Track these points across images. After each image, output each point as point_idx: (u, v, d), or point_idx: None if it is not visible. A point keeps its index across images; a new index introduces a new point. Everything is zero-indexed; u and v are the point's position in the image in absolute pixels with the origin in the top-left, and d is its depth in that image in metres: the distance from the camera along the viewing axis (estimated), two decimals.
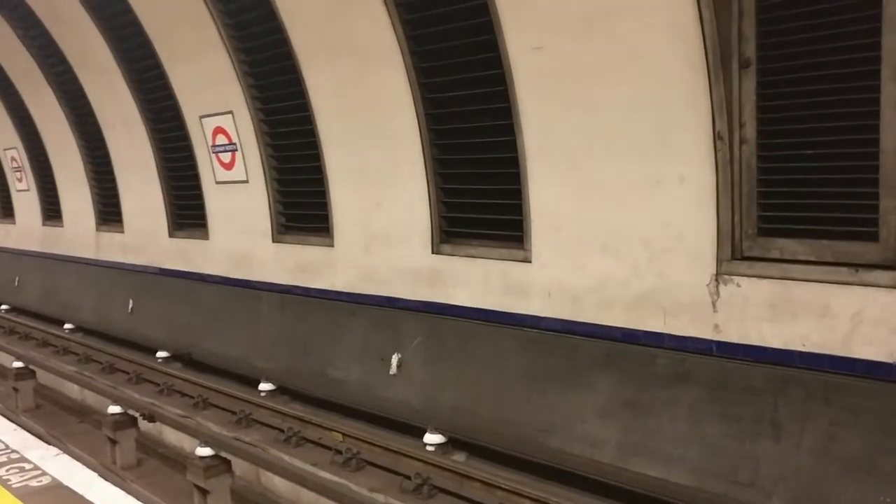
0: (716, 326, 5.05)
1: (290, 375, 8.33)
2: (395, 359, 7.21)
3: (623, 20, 5.06)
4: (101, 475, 4.26)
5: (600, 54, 5.25)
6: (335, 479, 5.77)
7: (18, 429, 5.20)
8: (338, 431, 6.73)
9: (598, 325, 5.66)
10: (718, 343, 5.04)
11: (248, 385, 8.50)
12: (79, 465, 4.45)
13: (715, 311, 5.05)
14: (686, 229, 5.13)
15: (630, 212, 5.40)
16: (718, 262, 5.01)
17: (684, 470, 5.08)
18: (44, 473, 4.28)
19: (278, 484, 6.88)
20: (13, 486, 4.11)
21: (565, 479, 5.59)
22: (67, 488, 4.05)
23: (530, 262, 6.08)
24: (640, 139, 5.23)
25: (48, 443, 4.89)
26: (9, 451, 4.68)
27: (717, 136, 4.88)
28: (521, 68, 5.74)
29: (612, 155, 5.40)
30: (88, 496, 3.90)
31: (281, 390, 8.30)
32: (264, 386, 8.33)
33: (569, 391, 5.86)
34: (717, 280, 5.03)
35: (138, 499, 3.88)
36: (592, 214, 5.63)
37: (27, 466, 4.39)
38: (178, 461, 7.98)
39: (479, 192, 6.58)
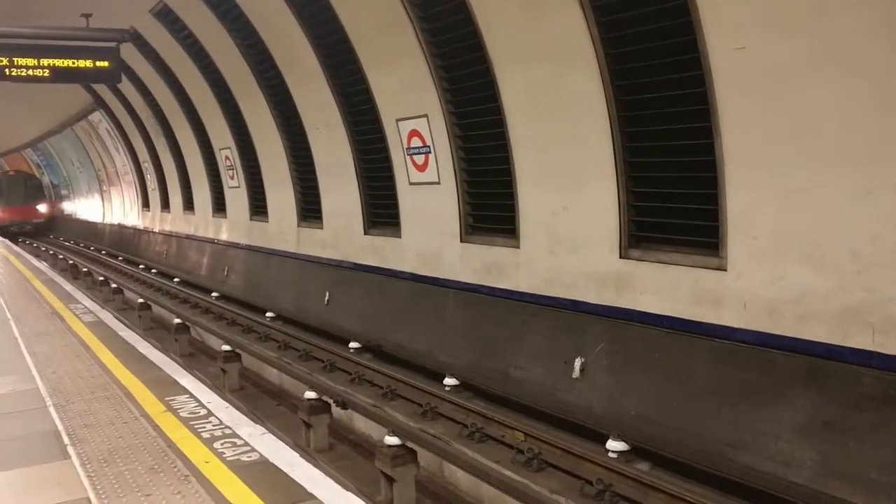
0: None
1: (473, 372, 8.50)
2: (577, 362, 7.19)
3: (835, 18, 4.77)
4: (302, 456, 4.55)
5: (809, 54, 4.97)
6: (517, 477, 5.83)
7: (230, 406, 5.65)
8: (519, 431, 6.79)
9: (797, 339, 5.37)
10: None
11: (432, 379, 8.76)
12: (282, 444, 4.77)
13: None
14: None
15: (837, 221, 5.07)
16: None
17: (894, 501, 4.72)
18: (252, 450, 4.63)
19: (460, 478, 7.03)
20: (227, 458, 4.49)
21: (755, 498, 5.35)
22: (274, 466, 4.36)
23: (725, 270, 5.87)
24: (852, 144, 4.90)
25: (255, 422, 5.28)
26: (222, 426, 5.11)
27: None
28: (721, 69, 5.55)
29: (820, 161, 5.10)
30: (292, 475, 4.19)
31: (464, 386, 8.49)
32: (449, 381, 8.54)
33: (762, 406, 5.60)
34: None
35: (337, 482, 4.12)
36: (795, 223, 5.34)
37: (238, 442, 4.77)
38: (365, 448, 8.35)
39: (672, 196, 6.42)
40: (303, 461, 4.48)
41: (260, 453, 4.57)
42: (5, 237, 31.94)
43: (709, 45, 5.58)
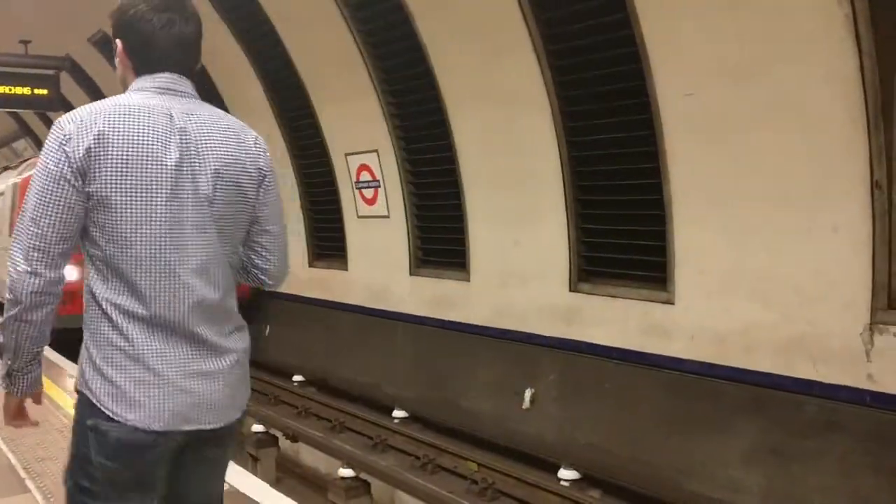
0: (869, 376, 4.98)
1: (423, 404, 8.58)
2: (528, 393, 7.36)
3: (781, 70, 5.13)
4: (271, 485, 4.57)
5: (756, 102, 5.32)
6: None
7: None
8: (472, 461, 6.91)
9: (743, 369, 5.66)
10: (872, 393, 4.97)
11: (380, 411, 8.81)
12: (248, 473, 4.79)
13: (869, 360, 4.98)
14: (839, 278, 5.11)
15: (781, 258, 5.41)
16: (873, 311, 4.96)
17: None
18: None
19: None
20: None
21: None
22: (244, 494, 4.38)
23: (673, 303, 6.14)
24: (794, 187, 5.26)
25: None
26: None
27: (874, 186, 4.86)
28: (670, 114, 5.87)
29: (764, 201, 5.44)
30: (265, 503, 4.21)
31: (413, 418, 8.56)
32: (398, 413, 8.61)
33: (710, 434, 5.86)
34: (871, 329, 4.97)
35: None
36: (741, 259, 5.66)
37: None
38: (312, 481, 8.32)
39: (621, 233, 6.69)
40: (272, 490, 4.51)
41: (229, 483, 4.56)
42: None
43: (658, 91, 5.90)
